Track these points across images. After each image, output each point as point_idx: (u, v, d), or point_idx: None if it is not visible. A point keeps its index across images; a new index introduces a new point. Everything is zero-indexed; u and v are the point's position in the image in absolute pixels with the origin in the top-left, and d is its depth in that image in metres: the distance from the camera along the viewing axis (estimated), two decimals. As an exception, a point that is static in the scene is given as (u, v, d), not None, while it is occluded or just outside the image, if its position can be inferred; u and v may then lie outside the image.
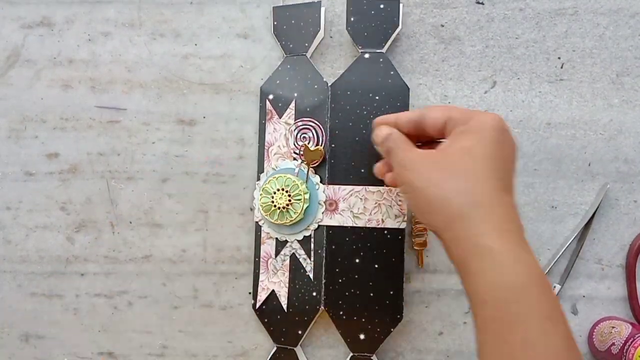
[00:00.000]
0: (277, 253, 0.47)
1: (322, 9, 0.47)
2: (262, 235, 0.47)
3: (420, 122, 0.37)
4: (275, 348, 0.47)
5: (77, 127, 0.49)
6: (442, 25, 0.48)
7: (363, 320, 0.46)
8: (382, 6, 0.46)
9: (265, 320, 0.47)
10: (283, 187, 0.45)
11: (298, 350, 0.47)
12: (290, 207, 0.45)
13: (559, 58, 0.48)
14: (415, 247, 0.47)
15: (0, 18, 0.49)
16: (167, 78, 0.49)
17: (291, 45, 0.48)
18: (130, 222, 0.49)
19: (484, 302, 0.30)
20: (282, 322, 0.47)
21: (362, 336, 0.46)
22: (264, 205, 0.45)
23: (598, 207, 0.47)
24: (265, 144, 0.47)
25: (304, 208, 0.45)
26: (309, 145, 0.46)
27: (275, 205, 0.45)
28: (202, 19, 0.49)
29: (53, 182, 0.49)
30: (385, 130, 0.38)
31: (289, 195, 0.45)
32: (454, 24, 0.48)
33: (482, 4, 0.48)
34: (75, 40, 0.49)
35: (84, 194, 0.49)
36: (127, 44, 0.49)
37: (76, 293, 0.49)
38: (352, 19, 0.46)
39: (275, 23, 0.48)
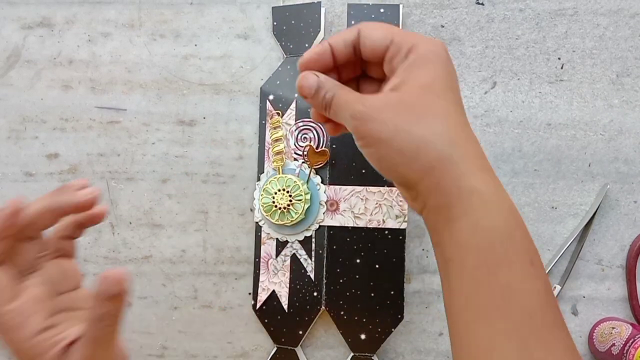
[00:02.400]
0: (277, 253, 0.47)
1: (323, 10, 0.47)
2: (263, 236, 0.47)
3: (357, 44, 0.32)
4: (275, 348, 0.47)
5: (77, 128, 0.49)
6: (442, 26, 0.48)
7: (364, 320, 0.46)
8: (382, 10, 0.46)
9: (266, 320, 0.47)
10: (284, 187, 0.45)
11: (298, 350, 0.47)
12: (291, 207, 0.45)
13: (559, 58, 0.48)
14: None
15: (1, 18, 0.50)
16: (167, 78, 0.49)
17: (291, 46, 0.48)
18: (130, 223, 0.49)
19: (466, 247, 0.28)
20: (282, 322, 0.47)
21: (363, 336, 0.46)
22: (265, 205, 0.45)
23: (598, 208, 0.47)
24: (266, 144, 0.48)
25: (305, 208, 0.45)
26: (313, 146, 0.46)
27: (276, 206, 0.45)
28: (202, 20, 0.49)
29: (53, 182, 0.49)
30: (312, 78, 0.32)
31: (290, 196, 0.45)
32: (454, 25, 0.48)
33: (482, 4, 0.48)
34: (75, 41, 0.49)
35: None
36: (127, 45, 0.49)
37: (76, 293, 0.49)
38: (352, 22, 0.47)
39: (275, 23, 0.48)
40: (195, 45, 0.49)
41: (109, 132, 0.49)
